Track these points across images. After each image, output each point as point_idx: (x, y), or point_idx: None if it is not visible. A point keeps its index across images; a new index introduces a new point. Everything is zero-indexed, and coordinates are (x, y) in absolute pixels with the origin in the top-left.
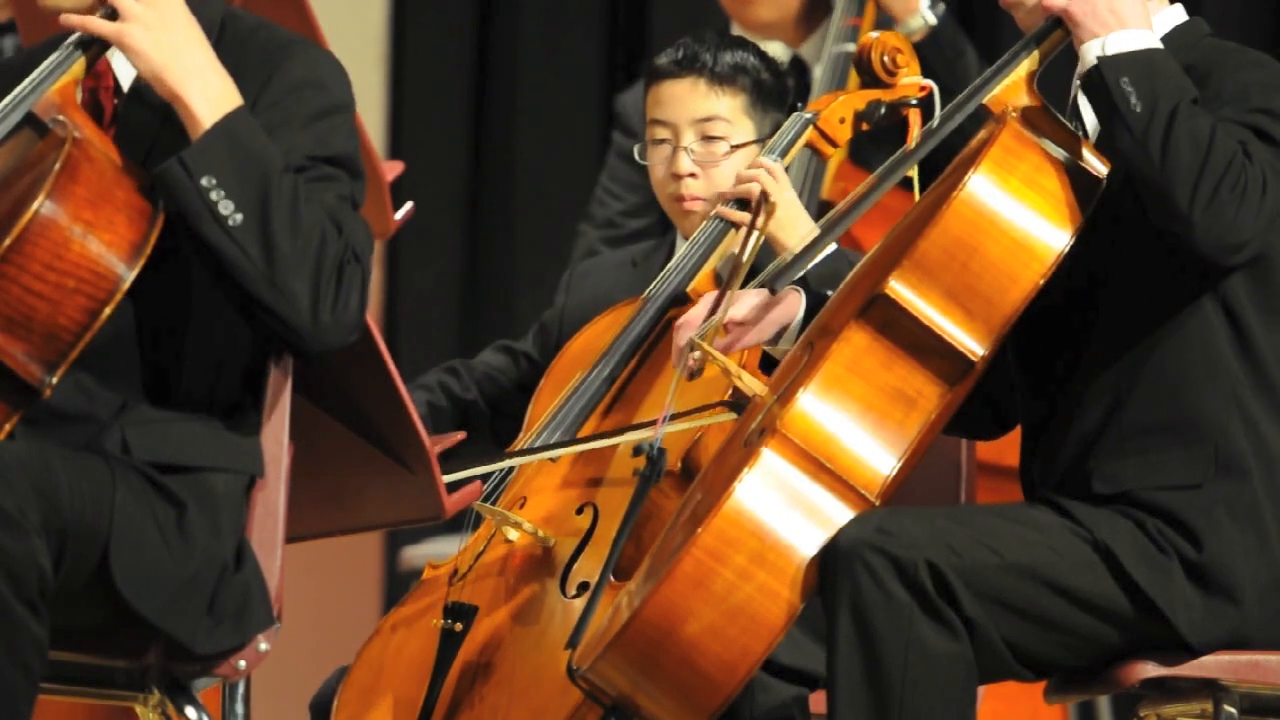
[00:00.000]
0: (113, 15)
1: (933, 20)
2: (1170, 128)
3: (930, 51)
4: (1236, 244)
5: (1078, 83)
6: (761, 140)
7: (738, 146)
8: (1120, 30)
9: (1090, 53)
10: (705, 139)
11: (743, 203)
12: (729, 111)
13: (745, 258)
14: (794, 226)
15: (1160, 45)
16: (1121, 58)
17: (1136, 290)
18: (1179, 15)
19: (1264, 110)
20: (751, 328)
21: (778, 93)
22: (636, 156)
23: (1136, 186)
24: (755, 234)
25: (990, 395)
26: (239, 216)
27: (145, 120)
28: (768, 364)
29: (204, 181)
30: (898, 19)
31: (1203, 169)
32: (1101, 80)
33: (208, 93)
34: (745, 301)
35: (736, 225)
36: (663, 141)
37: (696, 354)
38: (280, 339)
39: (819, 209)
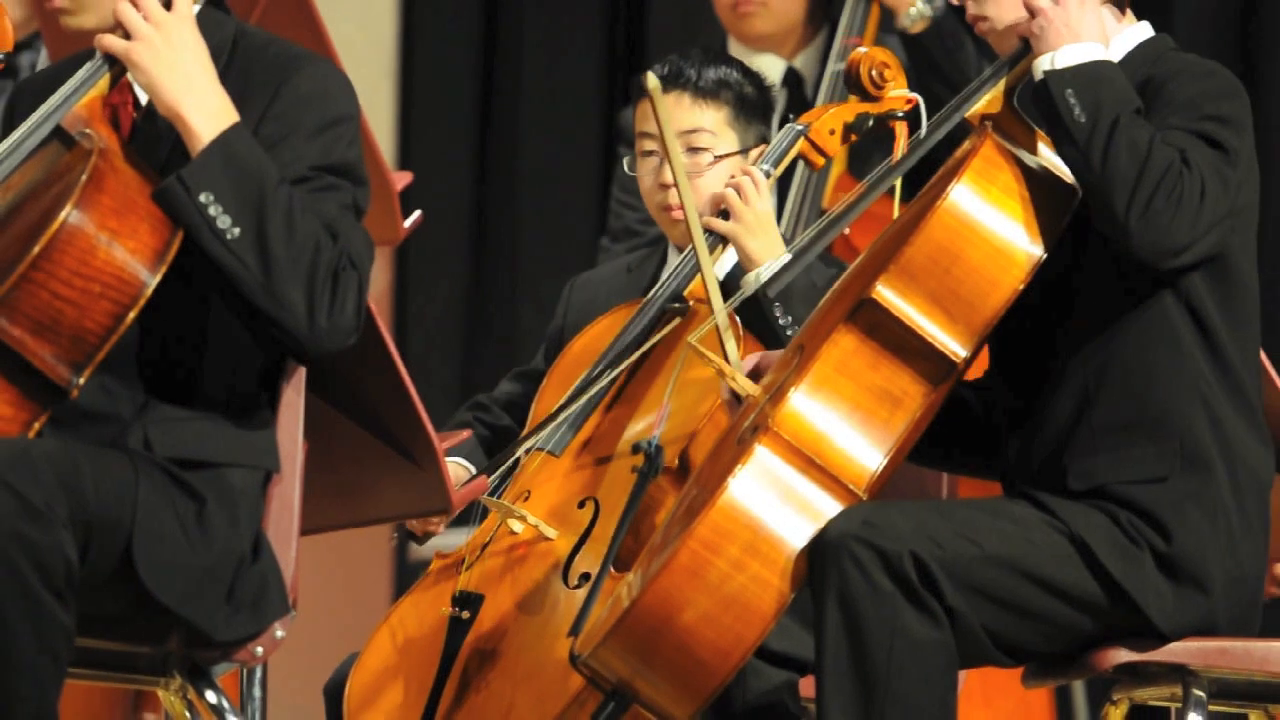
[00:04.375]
0: (127, 35)
1: (930, 12)
2: (1111, 137)
3: (931, 42)
4: (1172, 249)
5: None
6: (745, 151)
7: (722, 157)
8: (1073, 44)
9: (1039, 67)
10: (690, 150)
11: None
12: (713, 124)
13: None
14: (765, 236)
15: (1108, 59)
16: (1067, 71)
17: (1104, 292)
18: (1146, 31)
19: (1213, 117)
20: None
21: (760, 106)
22: (626, 168)
23: (1083, 193)
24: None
25: (998, 428)
26: (236, 230)
27: (161, 135)
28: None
29: (202, 198)
30: (896, 10)
31: (1139, 177)
32: (1048, 92)
33: (205, 109)
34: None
35: (720, 236)
36: (651, 153)
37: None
38: (281, 344)
39: (818, 218)
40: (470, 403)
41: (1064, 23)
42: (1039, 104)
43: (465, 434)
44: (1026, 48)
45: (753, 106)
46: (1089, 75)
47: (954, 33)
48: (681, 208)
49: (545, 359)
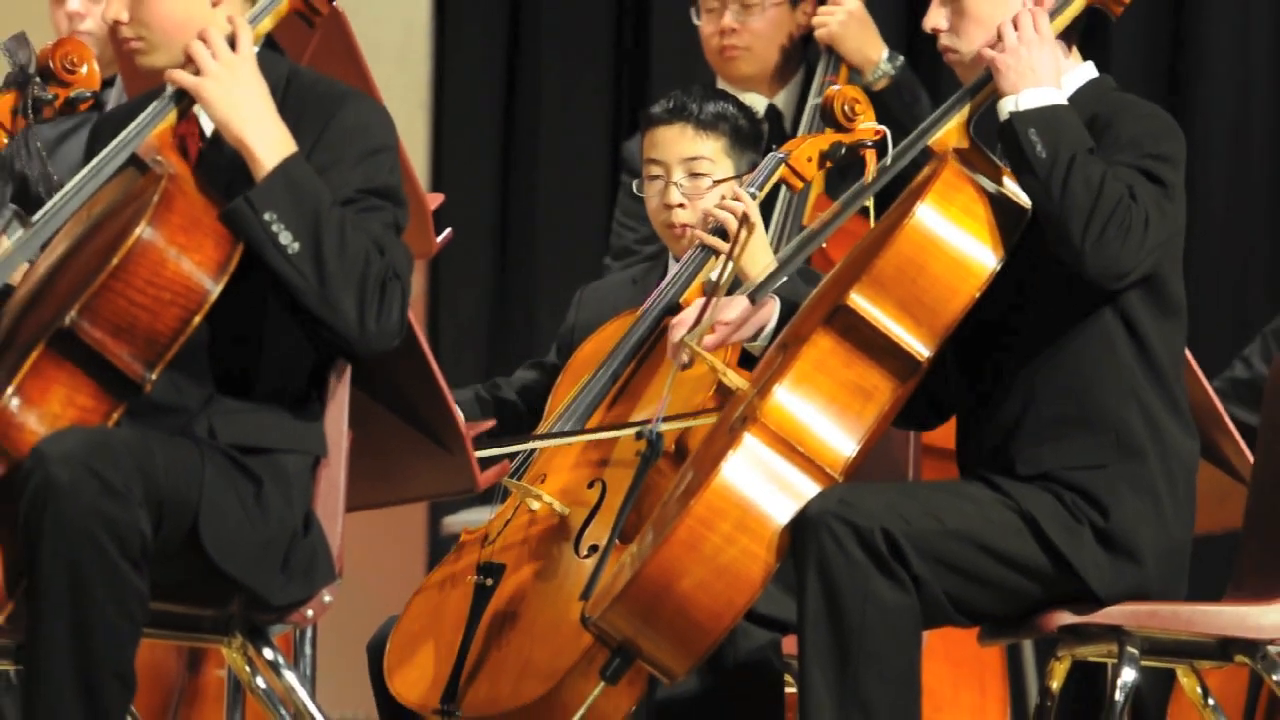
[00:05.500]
0: (197, 72)
1: (893, 71)
2: (1069, 173)
3: (892, 98)
4: (1120, 273)
5: None
6: (739, 176)
7: (719, 181)
8: (1034, 87)
9: (1005, 108)
10: (692, 175)
11: (720, 228)
12: (711, 152)
13: (727, 275)
14: (757, 255)
15: (1065, 101)
16: (1030, 113)
17: (1051, 303)
18: (1090, 72)
19: (1153, 155)
20: (736, 327)
21: (753, 136)
22: (635, 190)
23: (1040, 220)
24: (738, 248)
25: (931, 392)
26: (296, 245)
27: (224, 161)
28: (746, 361)
29: (266, 216)
30: (861, 71)
31: (1093, 209)
32: (1013, 131)
33: (267, 139)
34: (733, 306)
35: (715, 250)
36: (656, 178)
37: (687, 353)
38: (333, 346)
39: (799, 233)
40: (489, 382)
41: (1028, 65)
42: (1004, 141)
43: (489, 423)
44: (985, 80)
45: (746, 137)
46: (1049, 117)
47: (911, 88)
48: (684, 225)
49: (556, 354)
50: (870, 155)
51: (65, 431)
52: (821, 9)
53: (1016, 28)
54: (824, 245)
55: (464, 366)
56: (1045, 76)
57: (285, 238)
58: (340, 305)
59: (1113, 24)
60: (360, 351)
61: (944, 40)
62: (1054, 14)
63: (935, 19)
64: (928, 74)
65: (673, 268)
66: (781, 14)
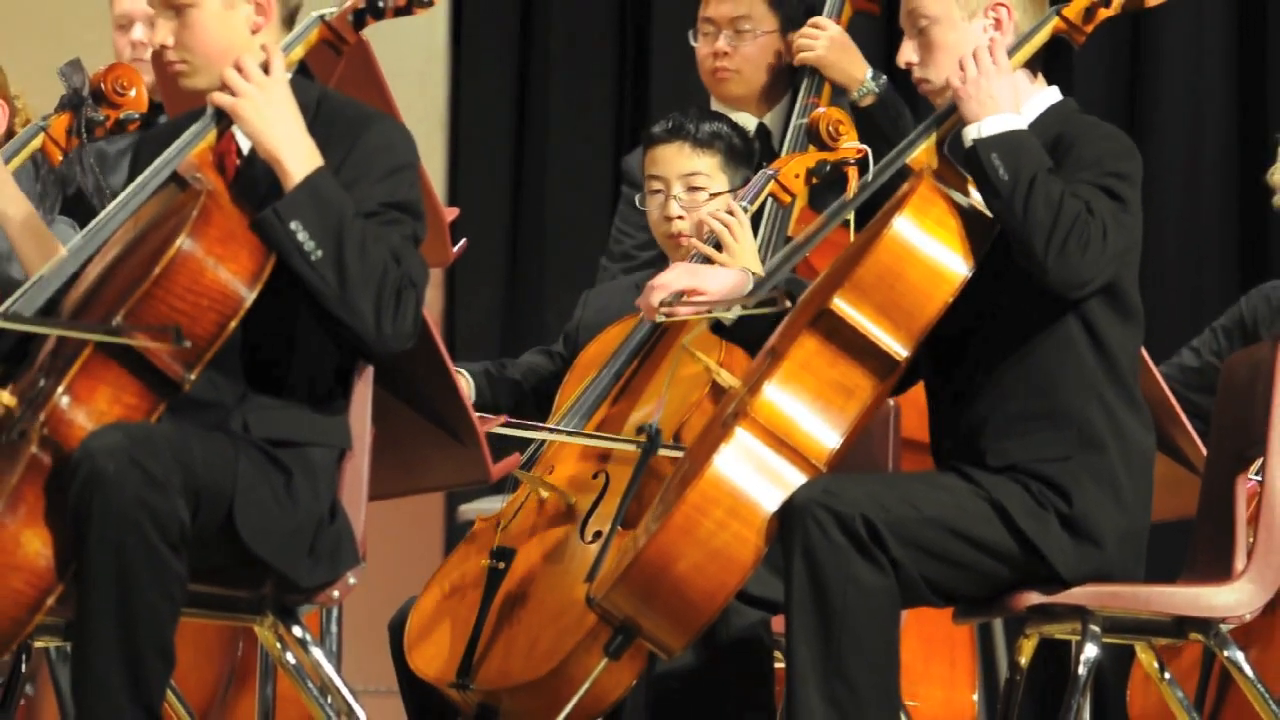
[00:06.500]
0: (233, 93)
1: (878, 89)
2: (1030, 193)
3: (878, 113)
4: (1080, 283)
5: None
6: (734, 190)
7: (715, 195)
8: (994, 114)
9: (968, 136)
10: (690, 189)
11: (714, 238)
12: (708, 168)
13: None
14: (747, 264)
15: (1024, 127)
16: (991, 139)
17: (1019, 310)
18: (1055, 95)
19: (1113, 174)
20: (706, 295)
21: (745, 153)
22: (637, 203)
23: (1006, 237)
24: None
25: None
26: (319, 252)
27: (259, 177)
28: (728, 355)
29: (292, 225)
30: (847, 90)
31: (1054, 225)
32: (976, 156)
33: (297, 155)
34: (712, 278)
35: (709, 259)
36: (657, 192)
37: (663, 312)
38: (352, 346)
39: (784, 244)
40: (496, 361)
41: (987, 94)
42: (969, 166)
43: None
44: (954, 107)
45: (739, 154)
46: (1010, 142)
47: (895, 104)
48: (683, 236)
49: (563, 344)
50: (852, 172)
51: (111, 427)
52: (802, 36)
53: (976, 62)
54: (808, 255)
55: None
56: (1005, 103)
57: (309, 245)
58: (359, 308)
59: (1075, 51)
60: (377, 351)
61: (916, 73)
62: (1021, 44)
63: (907, 54)
64: (907, 99)
65: None
66: (771, 40)
